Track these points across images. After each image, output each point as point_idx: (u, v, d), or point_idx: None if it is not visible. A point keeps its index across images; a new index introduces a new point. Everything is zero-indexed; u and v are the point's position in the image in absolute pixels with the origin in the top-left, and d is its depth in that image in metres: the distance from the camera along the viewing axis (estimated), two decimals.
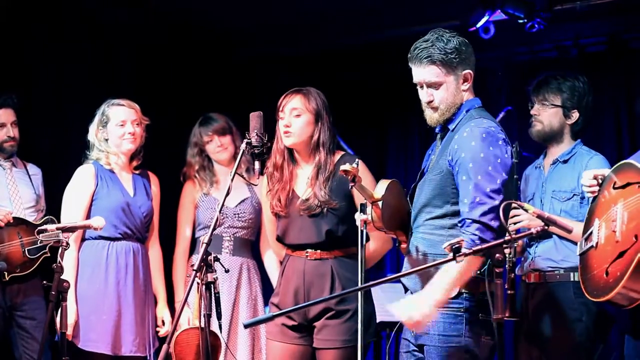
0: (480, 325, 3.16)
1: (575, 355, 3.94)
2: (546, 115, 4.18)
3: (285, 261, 4.06)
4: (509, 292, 3.84)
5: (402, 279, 3.34)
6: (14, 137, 4.83)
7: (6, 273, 4.60)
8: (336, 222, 3.94)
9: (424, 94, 3.29)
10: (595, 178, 3.35)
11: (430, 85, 3.26)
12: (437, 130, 3.40)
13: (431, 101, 3.27)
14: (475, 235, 3.06)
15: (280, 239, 4.09)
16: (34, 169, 4.97)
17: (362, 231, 3.26)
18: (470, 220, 3.09)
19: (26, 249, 4.64)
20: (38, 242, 4.46)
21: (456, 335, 3.15)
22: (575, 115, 4.18)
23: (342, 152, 4.09)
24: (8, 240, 4.63)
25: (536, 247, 4.08)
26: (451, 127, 3.29)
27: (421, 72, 3.25)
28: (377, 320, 4.24)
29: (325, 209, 3.93)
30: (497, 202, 3.09)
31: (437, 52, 3.21)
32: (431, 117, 3.30)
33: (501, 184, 3.12)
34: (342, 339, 3.88)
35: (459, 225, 3.15)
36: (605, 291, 3.06)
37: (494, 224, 3.08)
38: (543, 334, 4.00)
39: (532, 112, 4.23)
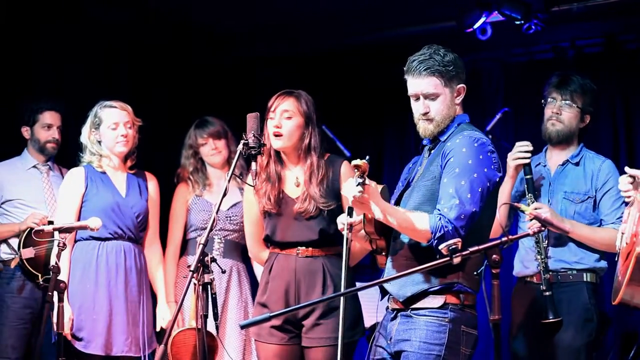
0: (462, 337, 3.19)
1: (582, 355, 3.95)
2: (569, 116, 4.13)
3: (273, 259, 4.02)
4: (545, 293, 3.88)
5: (385, 284, 3.32)
6: (57, 140, 5.02)
7: (40, 275, 4.69)
8: (328, 221, 3.93)
9: (419, 106, 3.31)
10: (632, 182, 3.29)
11: (427, 96, 3.29)
12: (424, 142, 3.43)
13: (427, 112, 3.29)
14: (447, 228, 3.08)
15: (268, 238, 4.06)
16: None
17: (346, 235, 3.22)
18: (446, 219, 3.11)
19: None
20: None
21: (438, 344, 3.16)
22: (587, 119, 4.17)
23: (329, 154, 4.09)
24: (44, 244, 4.64)
25: (548, 248, 4.06)
26: (443, 138, 3.32)
27: (419, 83, 3.28)
28: (373, 322, 4.25)
29: (325, 211, 3.93)
30: (473, 209, 3.12)
31: (436, 64, 3.25)
32: (426, 128, 3.32)
33: (482, 193, 3.15)
34: (334, 336, 3.86)
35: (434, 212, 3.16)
36: (616, 293, 3.08)
37: (462, 232, 3.10)
38: (555, 333, 4.00)
39: (552, 109, 4.13)
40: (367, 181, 3.05)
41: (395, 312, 3.29)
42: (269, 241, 4.07)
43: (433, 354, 3.15)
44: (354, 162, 3.03)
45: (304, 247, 3.96)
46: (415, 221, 3.12)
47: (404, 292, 3.23)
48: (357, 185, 3.02)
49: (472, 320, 3.22)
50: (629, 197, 3.27)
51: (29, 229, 4.68)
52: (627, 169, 3.32)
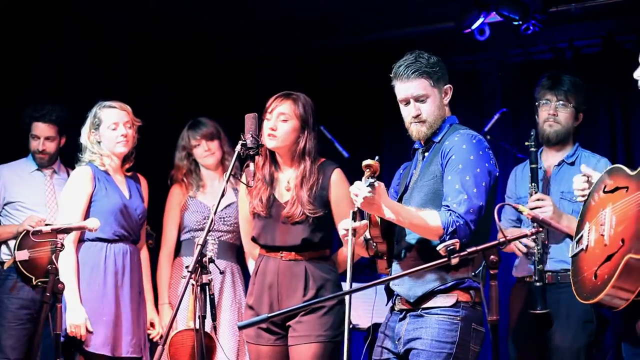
0: (472, 334, 3.23)
1: (582, 356, 3.96)
2: (565, 116, 4.14)
3: (259, 261, 4.04)
4: (537, 284, 3.88)
5: (392, 285, 3.35)
6: (42, 151, 5.02)
7: (34, 278, 4.67)
8: (313, 228, 3.93)
9: (411, 109, 3.35)
10: (587, 181, 3.36)
11: (417, 98, 3.33)
12: (416, 145, 3.45)
13: (419, 115, 3.33)
14: (459, 222, 3.12)
15: (255, 239, 4.08)
16: None
17: (350, 239, 3.21)
18: (456, 214, 3.15)
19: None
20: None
21: (449, 342, 3.19)
22: (581, 117, 4.18)
23: (323, 159, 4.08)
24: (40, 247, 4.63)
25: (548, 249, 4.06)
26: (436, 139, 3.35)
27: (409, 87, 3.32)
28: (372, 322, 4.24)
29: (310, 218, 3.92)
30: (481, 203, 3.17)
31: (423, 66, 3.31)
32: (419, 131, 3.35)
33: (486, 187, 3.21)
34: (317, 334, 3.87)
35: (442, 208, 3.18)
36: (594, 293, 3.10)
37: (473, 226, 3.15)
38: (554, 334, 4.00)
39: (548, 111, 4.15)
40: (376, 182, 3.06)
41: (403, 312, 3.31)
42: (255, 242, 4.08)
43: (444, 352, 3.19)
44: (365, 162, 3.05)
45: (286, 251, 3.96)
46: (427, 218, 3.15)
47: (414, 292, 3.25)
48: (367, 186, 3.02)
49: (481, 317, 3.25)
50: (583, 195, 3.31)
51: (25, 232, 4.68)
52: (582, 167, 3.37)
